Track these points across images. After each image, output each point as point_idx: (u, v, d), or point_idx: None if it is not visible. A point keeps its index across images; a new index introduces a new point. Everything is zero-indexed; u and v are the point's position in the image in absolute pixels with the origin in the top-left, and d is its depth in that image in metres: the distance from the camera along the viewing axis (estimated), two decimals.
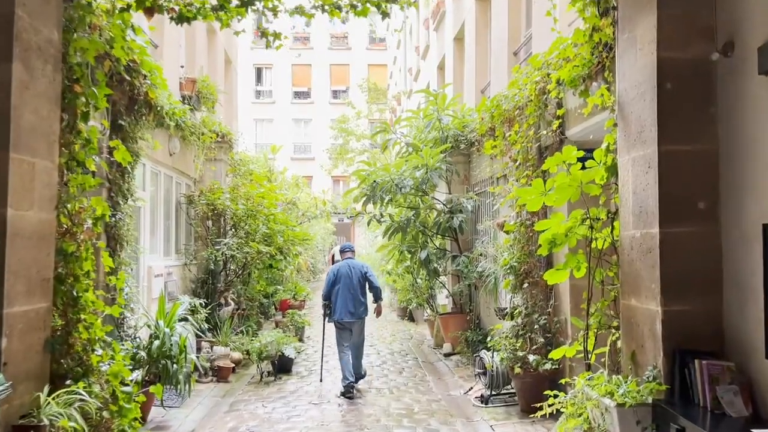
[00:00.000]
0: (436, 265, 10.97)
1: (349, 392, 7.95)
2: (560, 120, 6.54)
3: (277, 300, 13.04)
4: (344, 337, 8.49)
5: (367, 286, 8.69)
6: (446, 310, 11.82)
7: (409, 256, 11.28)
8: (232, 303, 10.24)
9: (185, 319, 8.39)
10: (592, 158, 5.09)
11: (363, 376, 8.57)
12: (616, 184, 4.94)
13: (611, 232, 4.96)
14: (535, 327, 6.94)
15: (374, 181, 10.19)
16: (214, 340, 9.20)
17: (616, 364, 4.88)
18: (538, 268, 7.10)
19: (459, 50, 13.29)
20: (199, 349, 8.82)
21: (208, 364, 8.72)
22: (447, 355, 10.42)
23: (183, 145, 9.58)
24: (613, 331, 4.97)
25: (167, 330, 6.74)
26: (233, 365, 9.01)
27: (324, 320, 8.98)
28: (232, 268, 10.88)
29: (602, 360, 5.08)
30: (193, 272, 10.22)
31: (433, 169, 9.76)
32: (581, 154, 5.09)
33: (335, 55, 38.67)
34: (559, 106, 6.74)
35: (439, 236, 11.01)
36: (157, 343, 6.66)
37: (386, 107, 26.90)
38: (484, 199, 10.15)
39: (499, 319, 8.14)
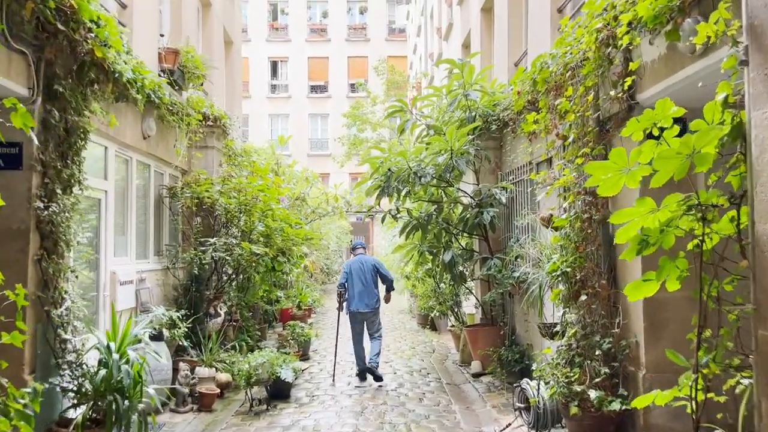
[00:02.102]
0: (462, 268, 9.35)
1: (363, 375, 8.86)
2: (632, 78, 4.88)
3: (277, 309, 11.48)
4: (358, 327, 9.07)
5: (378, 279, 9.32)
6: (474, 321, 10.19)
7: (431, 257, 9.67)
8: (222, 313, 8.71)
9: (158, 337, 6.90)
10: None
11: (378, 365, 8.87)
12: (743, 154, 3.29)
13: (736, 225, 3.30)
14: (596, 353, 5.28)
15: (389, 170, 8.60)
16: (196, 359, 7.67)
17: (746, 428, 3.22)
18: (599, 274, 5.45)
19: (487, 21, 11.63)
20: (176, 371, 7.31)
21: (187, 390, 7.21)
22: (476, 376, 8.79)
23: (162, 127, 8.08)
24: (738, 374, 3.32)
25: (116, 356, 5.21)
26: (219, 390, 7.48)
27: (339, 312, 9.41)
28: (227, 271, 9.38)
29: (717, 415, 3.44)
30: (178, 278, 8.71)
31: (459, 155, 8.13)
32: (681, 111, 3.43)
33: (353, 47, 37.12)
34: (628, 60, 5.09)
35: (465, 235, 9.38)
36: (103, 373, 5.14)
37: (405, 97, 25.21)
38: (520, 189, 8.50)
39: (544, 337, 6.49)
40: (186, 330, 7.45)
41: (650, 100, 4.98)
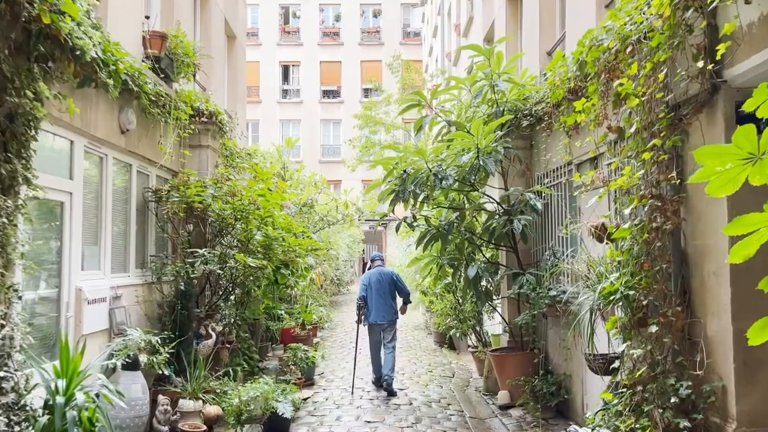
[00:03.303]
0: (485, 283, 8.22)
1: (378, 382, 9.02)
2: (727, 44, 3.74)
3: (277, 329, 10.37)
4: (376, 338, 9.22)
5: (396, 291, 9.44)
6: (499, 344, 9.03)
7: (451, 271, 8.55)
8: (214, 334, 7.63)
9: (133, 365, 5.84)
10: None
11: (392, 380, 8.86)
12: None
13: None
14: (671, 400, 4.13)
15: (404, 172, 7.50)
16: (179, 389, 6.60)
17: None
18: (674, 299, 4.31)
19: (512, 10, 10.55)
20: (154, 402, 6.25)
21: (167, 429, 6.13)
22: (503, 408, 7.64)
23: (146, 121, 7.06)
24: None
25: (61, 399, 4.14)
26: (205, 428, 6.39)
27: (358, 324, 9.45)
28: (223, 286, 8.34)
29: None
30: (165, 294, 7.65)
31: (487, 153, 7.01)
32: None
33: (367, 51, 36.17)
34: (713, 27, 3.99)
35: (490, 246, 8.26)
36: (44, 420, 4.07)
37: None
38: (556, 194, 7.38)
39: (594, 372, 5.34)
40: (168, 355, 6.39)
41: (744, 77, 3.88)
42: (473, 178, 7.39)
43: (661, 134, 4.25)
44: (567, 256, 6.77)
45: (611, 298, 4.60)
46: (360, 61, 35.91)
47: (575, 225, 6.18)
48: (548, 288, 6.91)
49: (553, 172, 7.49)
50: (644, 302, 4.40)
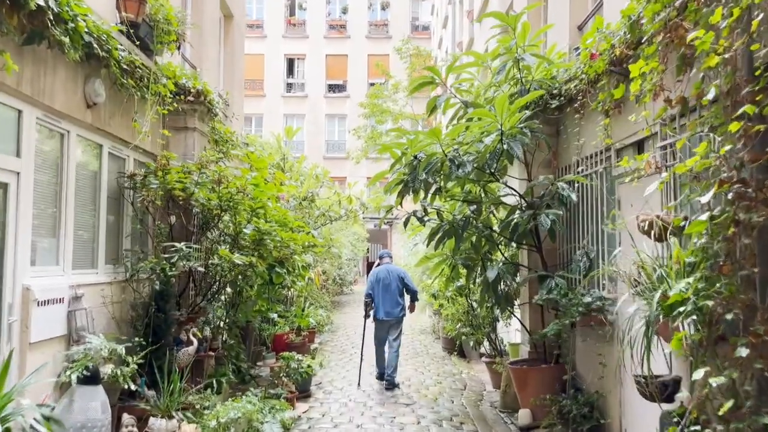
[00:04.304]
0: (505, 286, 7.27)
1: (381, 376, 9.12)
2: None
3: (269, 335, 9.41)
4: (382, 334, 9.31)
5: (404, 289, 9.42)
6: (518, 354, 8.07)
7: (465, 272, 7.60)
8: (195, 341, 6.69)
9: (91, 379, 4.93)
10: None
11: (394, 379, 8.93)
12: None
13: None
14: None
15: (414, 158, 6.56)
16: (150, 406, 5.65)
17: None
18: (762, 313, 3.34)
19: None
20: (119, 421, 5.32)
21: None
22: (525, 430, 6.68)
23: (119, 95, 6.13)
24: None
25: None
26: None
27: (365, 319, 9.61)
28: (209, 285, 7.41)
29: None
30: (142, 294, 6.71)
31: (512, 136, 6.04)
32: None
33: (374, 45, 35.18)
34: None
35: (511, 245, 7.31)
36: None
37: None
38: (589, 184, 6.42)
39: (647, 398, 4.37)
40: (137, 366, 5.46)
41: None
42: (494, 165, 6.43)
43: (760, 96, 3.27)
44: (606, 256, 5.80)
45: (679, 310, 3.63)
46: (367, 55, 34.90)
47: (619, 219, 5.20)
48: (581, 294, 5.94)
49: (586, 159, 6.53)
50: (725, 316, 3.43)
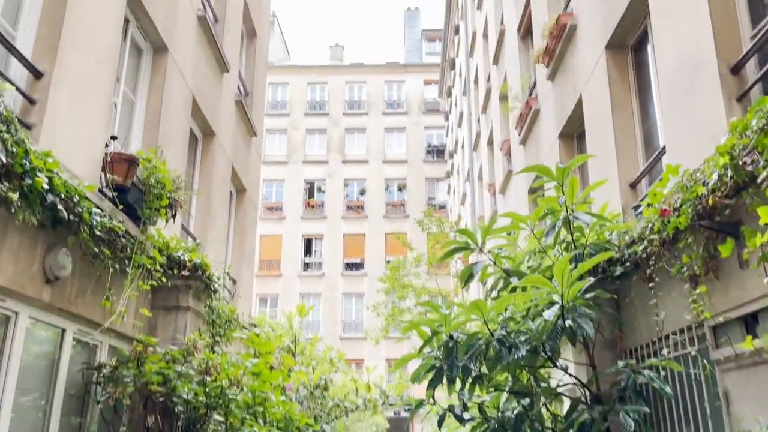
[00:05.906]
0: None
1: None
2: None
3: None
4: None
5: None
6: None
7: None
8: None
9: None
10: None
11: None
12: None
13: None
14: None
15: (450, 338, 5.27)
16: None
17: None
18: None
19: (567, 148, 8.92)
20: None
21: None
22: None
23: (91, 268, 5.09)
24: None
25: None
26: None
27: None
28: None
29: None
30: None
31: (573, 310, 4.79)
32: None
33: (391, 224, 35.28)
34: None
35: None
36: None
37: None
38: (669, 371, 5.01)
39: None
40: None
41: None
42: (551, 347, 5.10)
43: None
44: None
45: None
46: (384, 234, 34.85)
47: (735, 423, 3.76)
48: None
49: (663, 340, 5.20)
50: None
